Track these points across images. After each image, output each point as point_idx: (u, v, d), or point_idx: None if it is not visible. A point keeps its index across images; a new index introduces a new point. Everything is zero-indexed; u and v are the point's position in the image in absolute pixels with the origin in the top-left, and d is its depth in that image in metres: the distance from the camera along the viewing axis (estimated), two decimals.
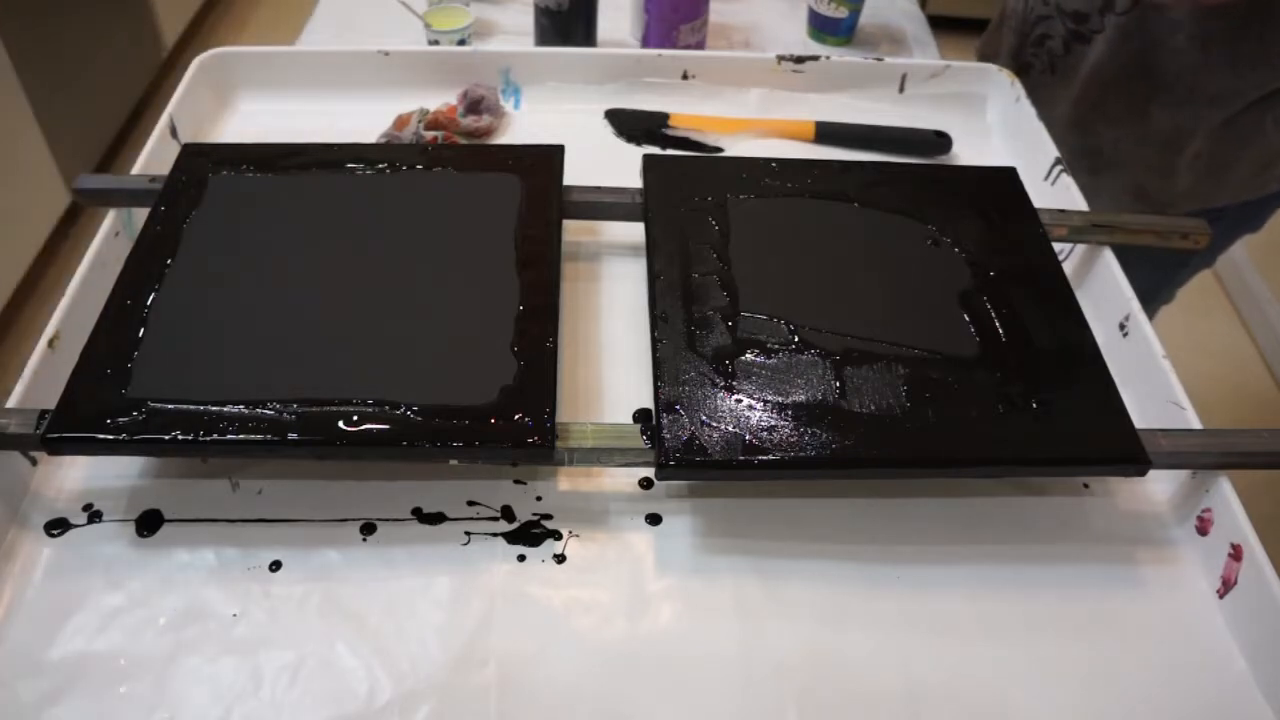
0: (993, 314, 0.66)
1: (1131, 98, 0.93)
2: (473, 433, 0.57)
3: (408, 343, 0.62)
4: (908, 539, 0.61)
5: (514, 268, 0.67)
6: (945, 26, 1.28)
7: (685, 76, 0.95)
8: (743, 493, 0.62)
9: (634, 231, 0.74)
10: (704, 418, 0.58)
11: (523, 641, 0.55)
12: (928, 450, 0.58)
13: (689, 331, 0.63)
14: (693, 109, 0.93)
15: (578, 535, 0.60)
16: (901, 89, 0.96)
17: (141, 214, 0.72)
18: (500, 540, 0.59)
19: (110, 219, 0.73)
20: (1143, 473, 0.59)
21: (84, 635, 0.54)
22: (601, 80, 0.94)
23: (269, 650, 0.54)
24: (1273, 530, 0.62)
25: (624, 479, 0.63)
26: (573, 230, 0.77)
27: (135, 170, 0.77)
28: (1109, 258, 0.75)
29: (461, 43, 1.04)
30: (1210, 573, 0.60)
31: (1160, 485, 0.64)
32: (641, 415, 0.66)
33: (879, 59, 0.97)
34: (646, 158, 0.77)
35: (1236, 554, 0.57)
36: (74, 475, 0.62)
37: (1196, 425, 0.63)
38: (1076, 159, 0.91)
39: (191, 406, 0.57)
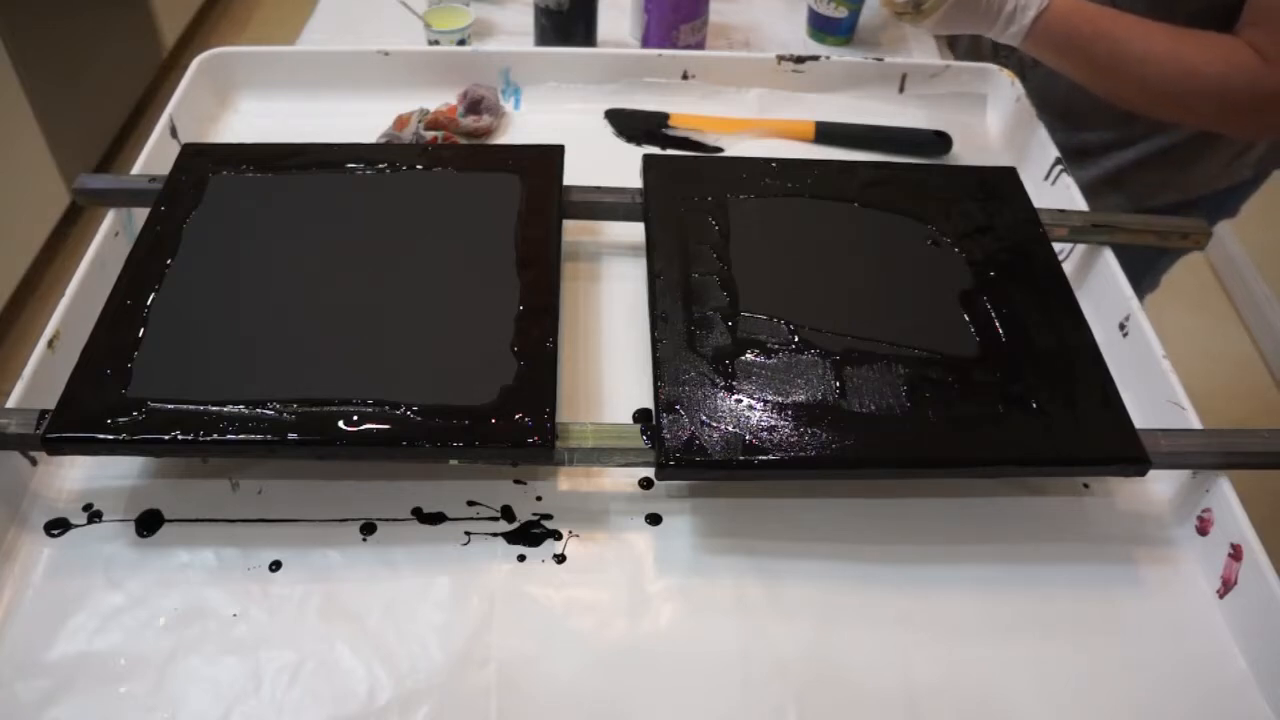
0: (993, 314, 0.66)
1: (1113, 109, 0.93)
2: (473, 433, 0.57)
3: (407, 343, 0.62)
4: (908, 539, 0.61)
5: (514, 268, 0.67)
6: None
7: (685, 76, 0.95)
8: (743, 493, 0.62)
9: (634, 231, 0.74)
10: (704, 418, 0.58)
11: (523, 641, 0.55)
12: (928, 450, 0.58)
13: (689, 331, 0.63)
14: (693, 109, 0.93)
15: (578, 535, 0.60)
16: (901, 89, 0.96)
17: (141, 214, 0.72)
18: (500, 540, 0.59)
19: (110, 219, 0.73)
20: (1143, 473, 0.59)
21: (84, 635, 0.54)
22: (601, 80, 0.94)
23: (269, 650, 0.54)
24: (1273, 530, 0.62)
25: (624, 479, 0.63)
26: (573, 230, 0.77)
27: (135, 170, 0.77)
28: (1109, 258, 0.75)
29: (461, 43, 1.04)
30: (1210, 573, 0.60)
31: (1160, 485, 0.64)
32: (641, 415, 0.66)
33: (879, 59, 0.97)
34: (646, 158, 0.77)
35: (1236, 554, 0.57)
36: (74, 475, 0.62)
37: (1196, 425, 0.63)
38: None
39: (191, 406, 0.57)
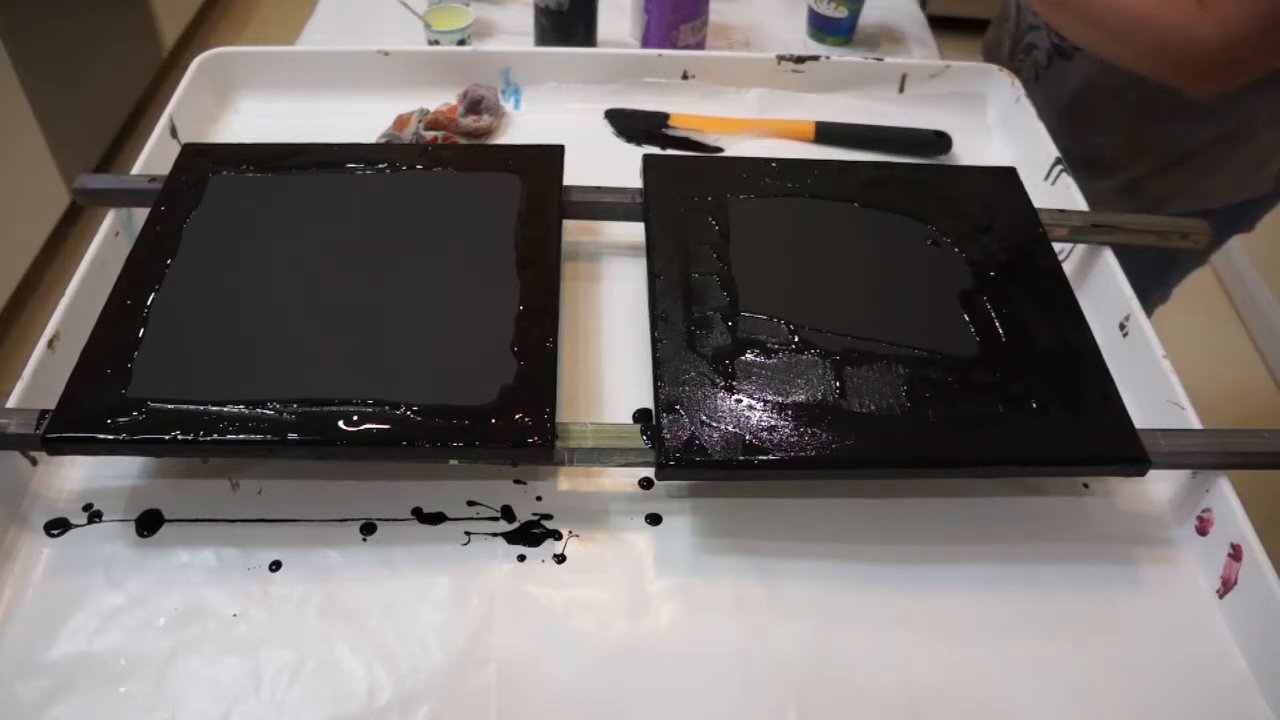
0: (993, 314, 0.66)
1: (1125, 111, 0.93)
2: (473, 433, 0.57)
3: (407, 343, 0.62)
4: (908, 539, 0.61)
5: (514, 268, 0.67)
6: (945, 26, 1.28)
7: (685, 76, 0.95)
8: (743, 493, 0.62)
9: (634, 231, 0.74)
10: (704, 418, 0.58)
11: (523, 641, 0.55)
12: (928, 450, 0.58)
13: (689, 331, 0.63)
14: (693, 109, 0.93)
15: (578, 535, 0.60)
16: (901, 89, 0.96)
17: (141, 214, 0.72)
18: (500, 540, 0.59)
19: (110, 219, 0.73)
20: (1143, 473, 0.59)
21: (84, 635, 0.54)
22: (601, 80, 0.94)
23: (269, 650, 0.54)
24: (1273, 530, 0.62)
25: (624, 479, 0.63)
26: (573, 230, 0.77)
27: (135, 170, 0.77)
28: (1109, 258, 0.75)
29: (461, 43, 1.05)
30: (1210, 573, 0.60)
31: (1160, 485, 0.64)
32: (641, 415, 0.66)
33: (879, 59, 0.97)
34: (646, 158, 0.77)
35: (1236, 554, 0.57)
36: (74, 475, 0.62)
37: (1196, 425, 0.63)
38: (1066, 162, 0.91)
39: (191, 406, 0.57)
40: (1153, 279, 1.02)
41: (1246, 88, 0.82)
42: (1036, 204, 0.75)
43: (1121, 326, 0.71)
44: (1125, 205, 0.98)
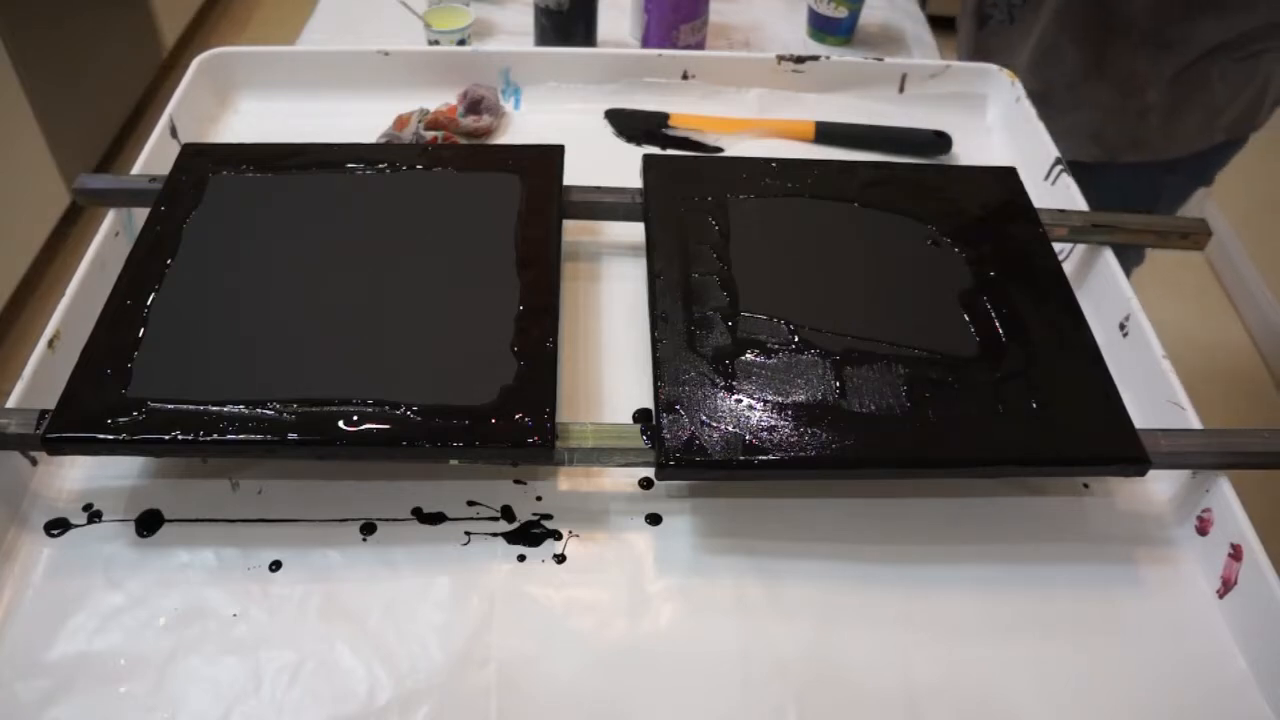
0: (993, 314, 0.66)
1: (1089, 41, 0.96)
2: (473, 433, 0.57)
3: (407, 342, 0.62)
4: (908, 539, 0.61)
5: (514, 268, 0.67)
6: (945, 26, 1.28)
7: (685, 76, 0.95)
8: (743, 493, 0.62)
9: (634, 231, 0.74)
10: (704, 418, 0.58)
11: (523, 641, 0.55)
12: (928, 450, 0.58)
13: (689, 331, 0.63)
14: (693, 109, 0.93)
15: (578, 535, 0.60)
16: (901, 89, 0.96)
17: (141, 214, 0.72)
18: (500, 540, 0.59)
19: (110, 219, 0.73)
20: (1142, 473, 0.59)
21: (84, 635, 0.54)
22: (601, 80, 0.94)
23: (269, 650, 0.54)
24: (1273, 530, 0.62)
25: (624, 479, 0.63)
26: (573, 230, 0.77)
27: (135, 170, 0.77)
28: (1109, 258, 0.75)
29: (461, 43, 1.05)
30: (1210, 573, 0.60)
31: (1160, 485, 0.65)
32: (641, 415, 0.66)
33: (879, 59, 0.97)
34: (646, 158, 0.77)
35: (1236, 554, 0.57)
36: (74, 475, 0.62)
37: (1196, 425, 0.63)
38: (1035, 103, 0.92)
39: (191, 406, 0.57)
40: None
41: (1196, 8, 0.82)
42: (1036, 204, 0.75)
43: (1121, 326, 0.71)
44: (1090, 151, 1.01)
